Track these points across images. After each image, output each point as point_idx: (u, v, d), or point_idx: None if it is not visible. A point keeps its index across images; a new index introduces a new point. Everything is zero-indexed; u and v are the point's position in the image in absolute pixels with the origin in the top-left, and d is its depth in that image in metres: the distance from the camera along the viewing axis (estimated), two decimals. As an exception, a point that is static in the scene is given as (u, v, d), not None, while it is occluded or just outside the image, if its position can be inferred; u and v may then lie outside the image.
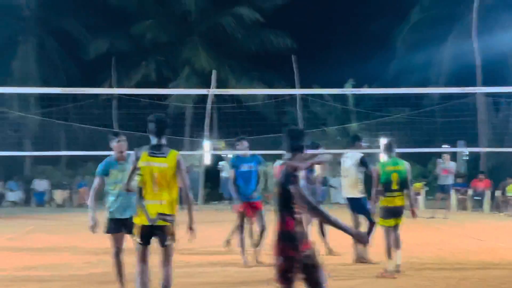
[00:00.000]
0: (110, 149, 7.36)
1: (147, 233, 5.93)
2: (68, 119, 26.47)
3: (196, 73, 28.95)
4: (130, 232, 6.96)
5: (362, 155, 9.74)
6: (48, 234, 14.22)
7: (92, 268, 9.33)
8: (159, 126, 6.00)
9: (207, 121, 24.87)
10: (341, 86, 27.16)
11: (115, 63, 27.80)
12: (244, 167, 9.45)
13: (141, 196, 5.91)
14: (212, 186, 26.28)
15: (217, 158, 24.88)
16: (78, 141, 27.60)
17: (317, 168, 9.98)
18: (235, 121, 24.56)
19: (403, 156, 12.69)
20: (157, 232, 5.91)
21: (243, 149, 9.60)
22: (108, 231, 7.11)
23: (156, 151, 5.93)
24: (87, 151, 22.66)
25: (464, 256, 10.19)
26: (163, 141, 6.01)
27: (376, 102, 28.50)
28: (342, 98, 29.18)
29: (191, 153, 24.92)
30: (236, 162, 9.54)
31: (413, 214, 8.58)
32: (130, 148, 7.05)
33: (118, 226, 7.04)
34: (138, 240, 5.95)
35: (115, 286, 7.47)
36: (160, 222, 5.87)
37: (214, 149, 25.16)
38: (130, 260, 6.55)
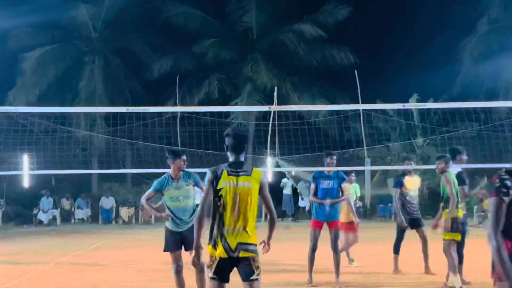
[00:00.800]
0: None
1: (226, 267, 5.18)
2: (133, 137, 27.02)
3: (257, 90, 29.07)
4: (188, 248, 7.27)
5: (461, 170, 9.07)
6: (114, 250, 14.48)
7: (157, 284, 9.43)
8: (239, 141, 5.31)
9: (269, 138, 24.89)
10: (405, 100, 26.70)
11: (178, 82, 28.25)
12: (324, 184, 9.30)
13: (218, 223, 5.17)
14: (275, 203, 26.24)
15: (280, 176, 24.85)
16: (143, 159, 28.16)
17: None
18: (297, 138, 24.54)
19: (473, 171, 12.43)
20: (238, 265, 5.18)
21: (331, 165, 9.39)
22: (166, 249, 7.37)
23: (237, 169, 5.22)
24: (151, 169, 23.23)
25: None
26: (243, 158, 5.33)
27: (442, 116, 27.91)
28: (407, 113, 28.71)
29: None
30: (317, 177, 9.39)
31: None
32: (192, 166, 7.30)
33: (176, 243, 7.31)
34: (212, 275, 5.18)
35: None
36: (243, 254, 5.12)
37: (276, 166, 25.13)
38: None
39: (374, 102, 24.92)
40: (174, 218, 7.50)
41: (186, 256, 7.47)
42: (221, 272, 5.17)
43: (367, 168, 25.47)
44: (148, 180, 27.77)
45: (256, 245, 5.20)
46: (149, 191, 7.68)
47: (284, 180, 24.06)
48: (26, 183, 23.76)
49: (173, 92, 28.56)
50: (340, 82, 29.46)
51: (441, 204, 8.69)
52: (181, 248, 7.48)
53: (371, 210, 26.74)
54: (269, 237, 5.53)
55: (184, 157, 7.63)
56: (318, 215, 9.27)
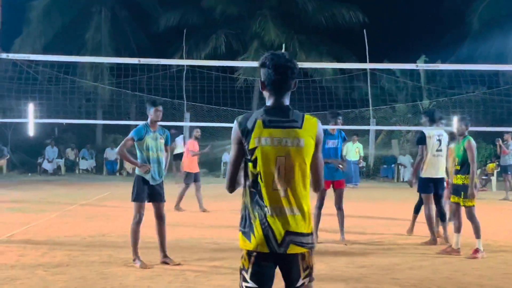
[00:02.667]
0: (180, 120, 7.66)
1: (267, 269, 3.34)
2: (138, 90, 26.98)
3: (265, 47, 28.78)
4: (154, 200, 7.55)
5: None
6: (119, 201, 14.54)
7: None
8: (284, 74, 3.38)
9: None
10: (413, 62, 26.62)
11: (185, 36, 28.03)
12: (329, 144, 9.23)
13: (253, 201, 3.35)
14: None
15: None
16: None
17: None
18: (304, 96, 24.49)
19: (477, 134, 12.42)
20: (285, 264, 3.36)
21: (339, 125, 9.33)
22: (137, 199, 7.41)
23: (281, 117, 3.35)
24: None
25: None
26: (288, 101, 3.46)
27: (449, 79, 27.84)
28: (414, 74, 28.57)
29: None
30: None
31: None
32: (197, 120, 7.27)
33: (147, 194, 7.38)
34: (248, 279, 3.34)
35: (186, 251, 7.66)
36: (293, 249, 3.31)
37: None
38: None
39: (381, 62, 24.80)
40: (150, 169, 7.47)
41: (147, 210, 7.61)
42: (261, 276, 3.34)
43: (372, 127, 25.43)
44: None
45: (312, 235, 3.41)
46: (128, 138, 7.44)
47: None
48: (31, 131, 23.83)
49: (179, 46, 28.36)
50: (348, 42, 29.20)
51: (456, 167, 8.56)
52: (147, 200, 7.57)
53: (374, 171, 26.83)
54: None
55: (161, 107, 7.59)
56: (324, 175, 9.21)
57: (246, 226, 3.36)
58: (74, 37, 29.65)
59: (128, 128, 30.32)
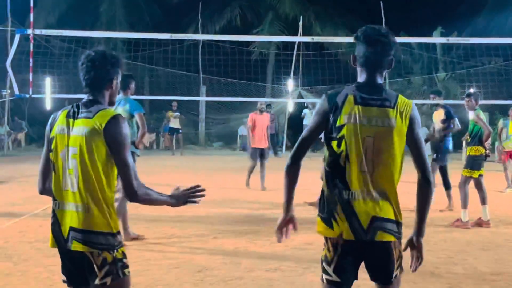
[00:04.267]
0: (195, 94, 7.56)
1: (352, 258, 3.09)
2: (154, 64, 27.11)
3: (279, 19, 28.86)
4: None
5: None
6: (144, 174, 14.71)
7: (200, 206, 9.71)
8: (380, 49, 3.11)
9: (292, 68, 24.81)
10: (429, 34, 26.59)
11: (199, 9, 28.04)
12: None
13: (336, 183, 3.07)
14: (295, 132, 26.51)
15: (301, 106, 24.97)
16: (162, 86, 28.34)
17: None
18: (319, 69, 24.55)
19: (494, 107, 12.46)
20: (374, 254, 3.08)
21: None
22: None
23: (372, 95, 3.09)
24: (174, 96, 23.40)
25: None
26: (380, 79, 3.18)
27: (465, 51, 27.74)
28: (429, 46, 28.48)
29: (275, 100, 25.07)
30: None
31: None
32: (211, 94, 7.24)
33: None
34: (331, 272, 3.08)
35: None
36: (381, 236, 3.02)
37: (299, 97, 25.20)
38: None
39: (397, 34, 24.60)
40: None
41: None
42: (345, 266, 3.08)
43: (346, 86, 25.45)
44: (169, 106, 28.07)
45: (401, 223, 3.10)
46: (143, 114, 7.42)
47: (305, 110, 24.14)
48: (48, 105, 24.03)
49: (194, 19, 28.41)
50: (363, 13, 29.07)
51: (468, 139, 8.84)
52: None
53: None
54: (421, 222, 3.20)
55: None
56: None
57: (325, 211, 3.09)
58: (87, 10, 29.65)
59: (141, 102, 30.62)
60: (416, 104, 11.01)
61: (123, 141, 3.04)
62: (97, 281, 3.01)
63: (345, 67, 25.56)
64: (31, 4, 10.97)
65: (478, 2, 30.13)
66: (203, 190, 3.33)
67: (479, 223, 8.49)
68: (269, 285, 5.55)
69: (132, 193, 3.06)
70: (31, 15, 10.74)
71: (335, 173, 3.07)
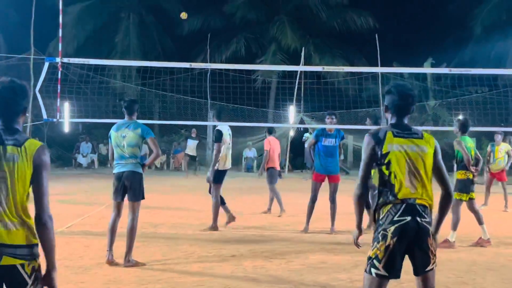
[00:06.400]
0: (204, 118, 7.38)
1: (400, 255, 3.64)
2: (164, 90, 27.06)
3: (282, 50, 28.95)
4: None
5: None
6: (159, 194, 14.57)
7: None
8: (407, 101, 3.82)
9: (294, 95, 24.82)
10: (420, 64, 26.68)
11: (207, 40, 28.11)
12: (326, 142, 9.39)
13: (386, 198, 3.69)
14: (296, 156, 26.43)
15: (302, 130, 24.88)
16: (172, 111, 28.26)
17: None
18: (318, 96, 24.52)
19: (481, 133, 12.50)
20: (412, 251, 3.65)
21: (332, 124, 9.50)
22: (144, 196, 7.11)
23: (404, 131, 3.78)
24: (182, 121, 23.31)
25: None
26: (406, 121, 3.87)
27: (453, 81, 27.77)
28: (421, 76, 28.53)
29: (277, 125, 24.97)
30: (319, 134, 9.48)
31: None
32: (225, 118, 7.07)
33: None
34: (381, 267, 3.60)
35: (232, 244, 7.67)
36: (424, 232, 3.63)
37: (300, 122, 25.15)
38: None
39: (391, 65, 24.81)
40: None
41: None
42: (394, 263, 3.61)
43: (382, 127, 25.43)
44: (178, 129, 28.00)
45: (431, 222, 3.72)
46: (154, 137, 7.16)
47: (306, 134, 24.00)
48: (66, 128, 23.90)
49: (202, 49, 28.44)
50: (359, 45, 29.29)
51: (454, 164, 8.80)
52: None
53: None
54: (439, 223, 3.90)
55: None
56: (320, 169, 9.38)
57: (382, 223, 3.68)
58: (104, 40, 29.77)
59: (152, 126, 30.57)
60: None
61: (47, 169, 3.09)
62: None
63: (342, 94, 25.61)
64: (60, 34, 10.89)
65: (465, 35, 30.28)
66: None
67: (480, 243, 8.33)
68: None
69: (41, 219, 3.03)
70: (60, 44, 10.66)
71: (387, 190, 3.71)
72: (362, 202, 3.84)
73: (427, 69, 25.89)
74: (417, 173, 3.70)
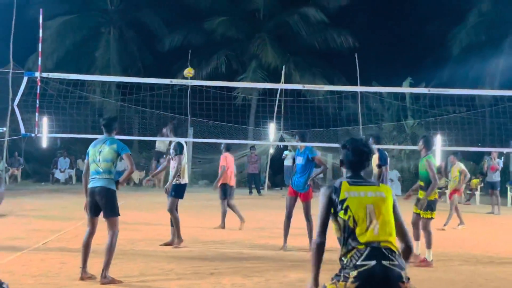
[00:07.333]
0: (184, 135, 7.41)
1: None
2: (144, 106, 26.97)
3: (262, 67, 29.04)
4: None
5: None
6: (137, 211, 14.51)
7: (193, 244, 9.51)
8: (360, 158, 3.82)
9: (275, 112, 24.92)
10: (399, 84, 26.98)
11: (188, 56, 28.11)
12: (297, 160, 9.63)
13: (347, 243, 3.59)
14: (275, 173, 26.47)
15: (282, 148, 25.01)
16: (151, 127, 28.16)
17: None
18: (298, 114, 24.63)
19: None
20: None
21: (297, 143, 9.84)
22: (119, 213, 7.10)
23: (361, 180, 3.76)
24: (161, 137, 23.22)
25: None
26: (362, 174, 3.86)
27: (432, 100, 28.09)
28: (399, 95, 28.83)
29: (256, 142, 25.06)
30: (296, 154, 9.83)
31: None
32: (200, 136, 7.14)
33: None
34: None
35: (207, 261, 7.65)
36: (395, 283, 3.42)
37: (280, 139, 25.24)
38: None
39: (370, 84, 25.08)
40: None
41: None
42: None
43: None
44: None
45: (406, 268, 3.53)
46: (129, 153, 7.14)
47: (286, 151, 24.16)
48: (44, 143, 23.66)
49: (183, 65, 28.40)
50: (339, 64, 29.50)
51: (420, 183, 8.71)
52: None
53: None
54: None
55: None
56: (292, 183, 9.62)
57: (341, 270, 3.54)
58: (84, 55, 29.64)
59: (131, 142, 30.41)
60: (387, 149, 10.97)
61: None
62: None
63: (322, 113, 25.77)
64: (40, 49, 10.86)
65: (443, 55, 30.71)
66: None
67: (422, 261, 8.27)
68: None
69: None
70: (40, 59, 10.60)
71: (346, 235, 3.58)
72: (321, 251, 3.63)
73: (405, 89, 26.25)
74: (378, 217, 3.57)
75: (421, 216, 8.51)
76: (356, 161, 3.78)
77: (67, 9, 29.81)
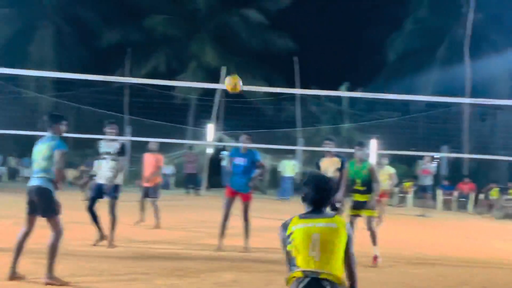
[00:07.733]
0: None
1: None
2: (80, 103, 26.41)
3: (202, 67, 29.00)
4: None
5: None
6: (71, 210, 14.09)
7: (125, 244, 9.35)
8: (321, 195, 3.77)
9: (214, 113, 24.88)
10: (336, 88, 27.44)
11: (127, 53, 27.78)
12: (237, 161, 9.56)
13: (291, 267, 3.61)
14: (214, 173, 26.40)
15: (221, 148, 24.98)
16: (88, 124, 27.57)
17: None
18: (237, 115, 24.72)
19: (392, 156, 13.11)
20: None
21: (242, 144, 9.65)
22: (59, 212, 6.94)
23: (315, 214, 3.73)
24: (96, 135, 22.78)
25: (446, 253, 10.23)
26: (324, 210, 3.80)
27: (368, 105, 28.75)
28: (337, 99, 29.35)
29: (195, 142, 24.96)
30: (232, 154, 9.79)
31: None
32: (138, 135, 7.03)
33: None
34: None
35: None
36: None
37: (219, 140, 25.23)
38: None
39: (309, 87, 25.37)
40: None
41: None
42: None
43: (298, 148, 25.86)
44: (92, 143, 27.29)
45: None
46: (64, 152, 6.81)
47: (224, 152, 24.12)
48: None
49: (121, 63, 28.06)
50: (278, 66, 29.76)
51: (360, 188, 8.86)
52: None
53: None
54: None
55: None
56: (232, 184, 9.57)
57: None
58: (18, 49, 28.70)
59: (66, 140, 29.68)
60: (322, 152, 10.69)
61: None
62: None
63: (261, 114, 25.96)
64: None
65: (380, 61, 31.44)
66: None
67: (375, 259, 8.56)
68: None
69: None
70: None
71: (294, 267, 3.55)
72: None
73: (342, 93, 26.70)
74: (323, 247, 3.52)
75: (371, 216, 8.76)
76: (318, 199, 3.73)
77: (1, 1, 28.85)
